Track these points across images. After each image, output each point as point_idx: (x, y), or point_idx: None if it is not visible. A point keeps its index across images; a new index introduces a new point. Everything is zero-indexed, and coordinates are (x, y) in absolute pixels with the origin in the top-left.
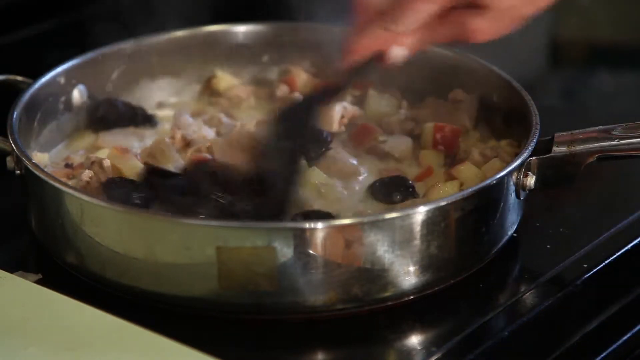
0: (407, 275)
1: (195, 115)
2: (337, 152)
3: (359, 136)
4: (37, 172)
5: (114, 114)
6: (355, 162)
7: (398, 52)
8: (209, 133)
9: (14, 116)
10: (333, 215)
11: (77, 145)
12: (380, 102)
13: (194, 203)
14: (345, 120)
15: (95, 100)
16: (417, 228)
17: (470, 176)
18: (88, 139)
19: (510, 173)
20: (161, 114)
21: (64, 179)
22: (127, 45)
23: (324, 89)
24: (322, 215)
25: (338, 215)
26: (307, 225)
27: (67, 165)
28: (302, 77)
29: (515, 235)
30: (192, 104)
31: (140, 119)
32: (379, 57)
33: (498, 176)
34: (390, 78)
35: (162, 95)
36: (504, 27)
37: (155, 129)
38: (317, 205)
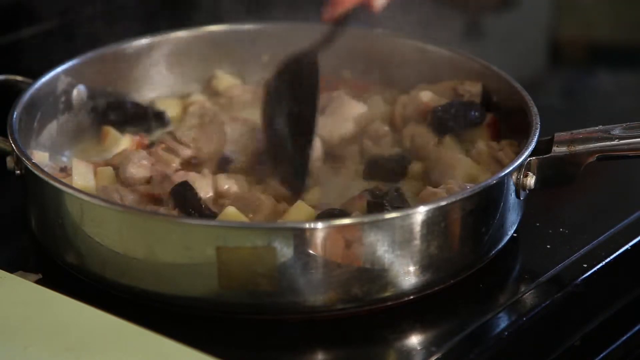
0: (407, 275)
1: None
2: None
3: None
4: (37, 172)
5: (123, 115)
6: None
7: None
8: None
9: (14, 116)
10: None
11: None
12: (379, 101)
13: None
14: None
15: (100, 101)
16: (417, 228)
17: (465, 168)
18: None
19: (510, 173)
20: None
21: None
22: (127, 45)
23: (316, 43)
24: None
25: None
26: (307, 225)
27: (62, 169)
28: None
29: (515, 235)
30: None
31: (152, 117)
32: (364, 3)
33: (498, 176)
34: (389, 78)
35: (162, 95)
36: None
37: (165, 127)
38: None
